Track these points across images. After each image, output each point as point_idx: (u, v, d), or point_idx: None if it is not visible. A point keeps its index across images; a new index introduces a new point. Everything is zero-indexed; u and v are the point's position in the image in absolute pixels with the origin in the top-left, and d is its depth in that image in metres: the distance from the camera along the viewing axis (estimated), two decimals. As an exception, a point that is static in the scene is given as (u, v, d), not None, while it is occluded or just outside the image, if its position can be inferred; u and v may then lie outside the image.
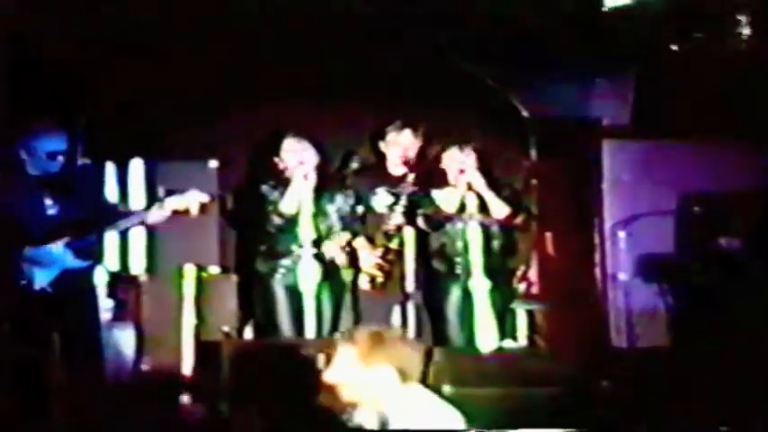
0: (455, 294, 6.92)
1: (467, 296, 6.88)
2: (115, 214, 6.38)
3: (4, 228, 5.93)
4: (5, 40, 6.54)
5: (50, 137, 6.04)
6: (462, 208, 6.91)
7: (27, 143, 6.03)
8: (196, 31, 7.10)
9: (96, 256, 6.26)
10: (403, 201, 6.94)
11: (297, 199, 6.85)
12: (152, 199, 6.99)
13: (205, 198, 6.16)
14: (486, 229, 6.93)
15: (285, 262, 6.88)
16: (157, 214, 6.14)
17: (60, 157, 6.02)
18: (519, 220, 7.01)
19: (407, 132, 7.08)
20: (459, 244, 6.93)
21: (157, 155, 7.25)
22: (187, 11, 7.00)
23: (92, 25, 7.01)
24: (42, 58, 7.04)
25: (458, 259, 6.93)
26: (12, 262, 5.94)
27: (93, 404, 5.88)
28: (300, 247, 6.83)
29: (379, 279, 6.92)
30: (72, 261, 6.00)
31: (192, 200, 6.12)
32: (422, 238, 6.88)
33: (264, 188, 6.95)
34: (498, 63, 7.51)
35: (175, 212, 6.13)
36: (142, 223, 6.32)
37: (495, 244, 6.98)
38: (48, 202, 6.02)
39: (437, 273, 6.99)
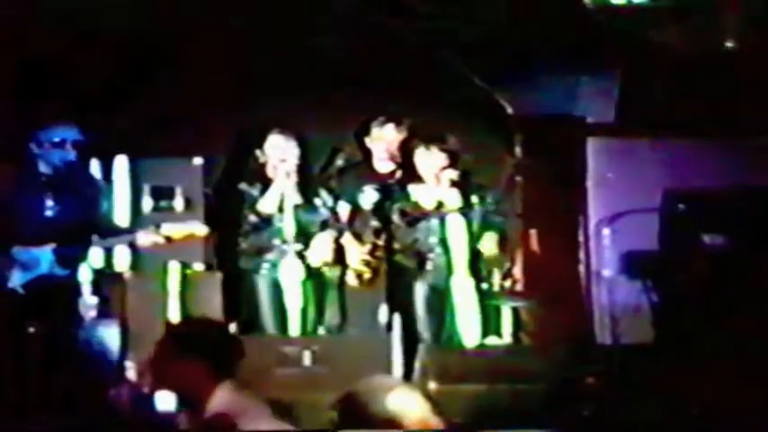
0: (422, 290, 6.86)
1: (436, 292, 6.84)
2: (107, 229, 6.24)
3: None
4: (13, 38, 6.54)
5: (59, 129, 5.99)
6: (440, 205, 6.88)
7: (37, 136, 5.98)
8: (183, 29, 7.10)
9: (77, 267, 6.13)
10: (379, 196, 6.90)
11: (278, 197, 6.84)
12: (137, 196, 7.00)
13: (204, 230, 6.09)
14: (468, 224, 6.90)
15: (269, 257, 6.88)
16: (149, 238, 6.07)
17: (69, 151, 5.96)
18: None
19: (390, 127, 7.07)
20: (433, 240, 6.90)
21: (142, 152, 7.23)
22: (174, 9, 7.00)
23: (82, 22, 7.01)
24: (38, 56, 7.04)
25: (430, 255, 6.90)
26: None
27: (78, 403, 5.86)
28: (283, 242, 6.83)
29: (367, 275, 6.89)
30: (54, 268, 5.96)
31: (190, 230, 6.05)
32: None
33: (242, 186, 6.94)
34: (483, 60, 7.52)
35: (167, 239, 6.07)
36: (130, 244, 6.27)
37: (476, 239, 6.95)
38: (48, 202, 5.98)
39: (403, 269, 6.92)
